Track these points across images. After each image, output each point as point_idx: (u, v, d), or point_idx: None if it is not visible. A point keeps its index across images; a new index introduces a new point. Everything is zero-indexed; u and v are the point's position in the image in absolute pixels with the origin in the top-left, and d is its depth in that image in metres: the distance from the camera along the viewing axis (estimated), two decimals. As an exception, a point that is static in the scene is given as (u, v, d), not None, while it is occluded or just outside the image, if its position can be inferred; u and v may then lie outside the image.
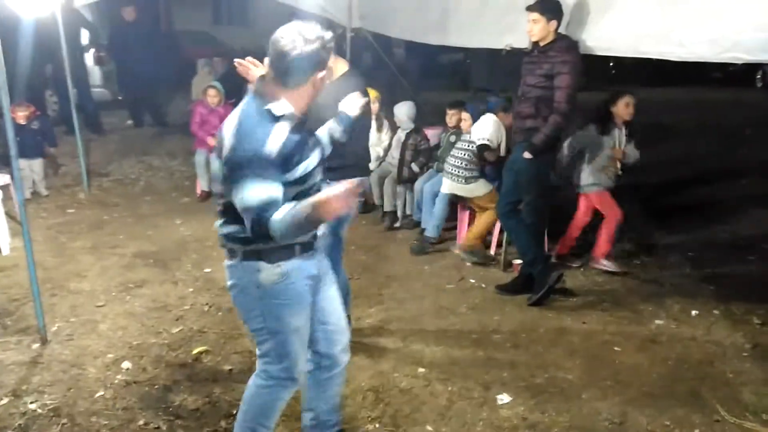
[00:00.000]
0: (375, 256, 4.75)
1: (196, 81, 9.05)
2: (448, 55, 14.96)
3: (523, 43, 4.30)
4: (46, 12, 6.08)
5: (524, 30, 4.05)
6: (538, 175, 4.00)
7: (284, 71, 2.04)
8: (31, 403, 2.87)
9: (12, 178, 4.90)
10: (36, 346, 3.37)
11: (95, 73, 9.40)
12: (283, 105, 2.04)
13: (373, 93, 5.62)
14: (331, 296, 2.40)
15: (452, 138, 5.31)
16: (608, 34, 3.96)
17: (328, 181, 2.35)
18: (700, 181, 6.96)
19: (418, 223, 5.40)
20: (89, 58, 9.23)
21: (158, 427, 2.73)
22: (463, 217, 5.11)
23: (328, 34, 2.08)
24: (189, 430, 2.72)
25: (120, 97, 9.63)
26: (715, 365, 3.40)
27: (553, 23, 3.78)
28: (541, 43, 3.85)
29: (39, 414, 2.79)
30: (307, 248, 2.18)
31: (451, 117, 5.38)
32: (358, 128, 2.78)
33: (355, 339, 3.51)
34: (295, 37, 2.02)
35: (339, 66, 3.09)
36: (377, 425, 2.82)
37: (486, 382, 3.18)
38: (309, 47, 2.02)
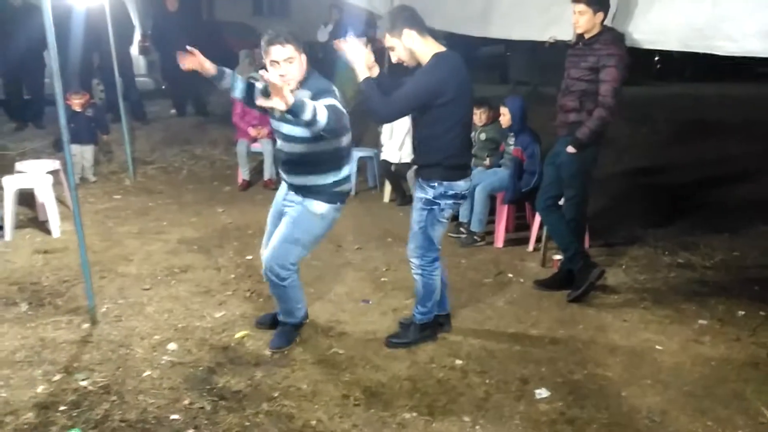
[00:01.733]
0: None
1: (238, 72, 9.15)
2: (489, 47, 14.81)
3: (567, 35, 4.25)
4: (96, 2, 6.25)
5: (569, 22, 4.00)
6: (581, 169, 3.95)
7: None
8: (83, 380, 2.98)
9: (63, 163, 5.08)
10: (86, 326, 3.49)
11: (139, 63, 9.60)
12: None
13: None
14: None
15: (482, 135, 5.35)
16: (656, 27, 3.88)
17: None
18: (745, 180, 6.78)
19: (455, 217, 5.40)
20: (134, 47, 9.44)
21: (203, 407, 2.81)
22: (502, 211, 5.09)
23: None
24: (232, 411, 2.79)
25: (163, 87, 9.82)
26: (760, 367, 3.33)
27: (600, 15, 3.73)
28: (587, 36, 3.80)
29: (90, 391, 2.90)
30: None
31: (480, 115, 5.37)
32: None
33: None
34: None
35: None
36: (414, 414, 2.85)
37: (524, 376, 3.18)
38: None
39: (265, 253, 3.17)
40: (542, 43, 4.58)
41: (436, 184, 3.13)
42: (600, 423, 2.83)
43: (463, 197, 3.26)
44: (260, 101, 2.57)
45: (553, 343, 3.52)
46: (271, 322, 3.51)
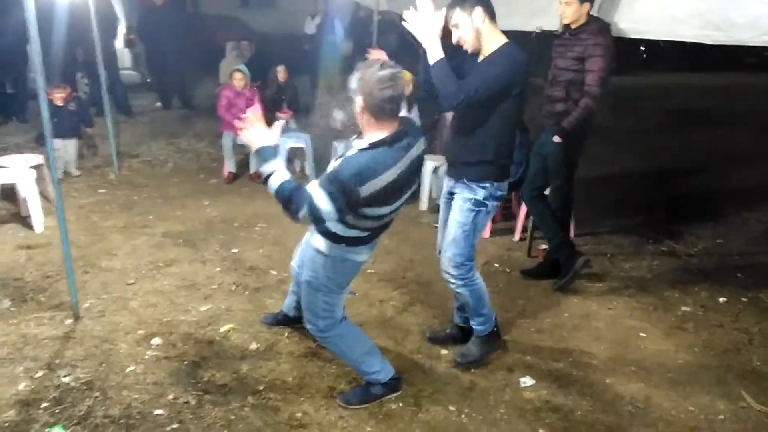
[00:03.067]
0: (399, 240, 4.76)
1: (225, 64, 9.12)
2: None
3: (553, 25, 4.25)
4: (79, -5, 6.16)
5: (555, 12, 4.00)
6: (567, 159, 3.96)
7: None
8: (65, 376, 2.95)
9: (47, 157, 5.02)
10: (69, 321, 3.46)
11: (125, 56, 9.51)
12: None
13: (407, 75, 5.62)
14: None
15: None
16: (642, 17, 3.89)
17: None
18: (729, 169, 6.84)
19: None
20: (119, 41, 9.34)
21: (187, 402, 2.80)
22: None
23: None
24: (217, 405, 2.78)
25: (149, 80, 9.74)
26: (742, 353, 3.37)
27: (586, 5, 3.72)
28: (573, 26, 3.80)
29: (72, 387, 2.88)
30: None
31: None
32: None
33: (379, 321, 3.57)
34: None
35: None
36: (400, 404, 2.85)
37: (509, 365, 3.20)
38: None
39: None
40: (528, 33, 4.58)
41: (488, 185, 2.90)
42: (584, 410, 2.86)
43: (503, 198, 3.00)
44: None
45: (539, 332, 3.54)
46: (273, 321, 3.48)
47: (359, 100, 2.40)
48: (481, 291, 3.09)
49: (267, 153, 2.35)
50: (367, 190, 2.30)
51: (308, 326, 2.80)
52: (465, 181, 2.94)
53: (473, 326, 3.19)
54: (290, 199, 2.27)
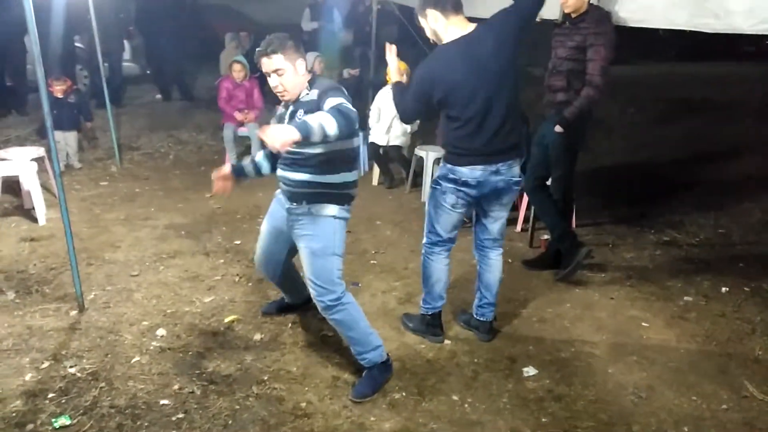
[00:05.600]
0: (400, 231, 4.77)
1: (224, 55, 9.09)
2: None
3: (553, 14, 4.23)
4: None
5: (555, 1, 3.98)
6: (568, 149, 3.96)
7: None
8: (71, 367, 2.97)
9: (48, 150, 5.02)
10: (74, 313, 3.47)
11: (124, 47, 9.48)
12: None
13: (402, 66, 5.60)
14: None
15: None
16: (642, 5, 3.88)
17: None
18: (730, 158, 6.83)
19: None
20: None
21: (192, 392, 2.81)
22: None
23: None
24: (222, 395, 2.80)
25: (148, 72, 9.71)
26: (745, 342, 3.38)
27: None
28: (573, 15, 3.79)
29: (78, 378, 2.90)
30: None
31: None
32: None
33: (381, 312, 3.58)
34: None
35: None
36: (404, 394, 2.87)
37: (512, 355, 3.21)
38: None
39: (308, 285, 2.85)
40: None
41: (442, 165, 3.09)
42: (587, 400, 2.87)
43: (465, 184, 2.98)
44: (274, 150, 2.35)
45: (541, 322, 3.55)
46: (277, 310, 3.52)
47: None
48: (432, 275, 3.26)
49: (300, 127, 2.30)
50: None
51: (321, 300, 2.78)
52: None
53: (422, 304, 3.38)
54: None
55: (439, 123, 6.57)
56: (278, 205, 3.05)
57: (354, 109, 2.50)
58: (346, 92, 2.67)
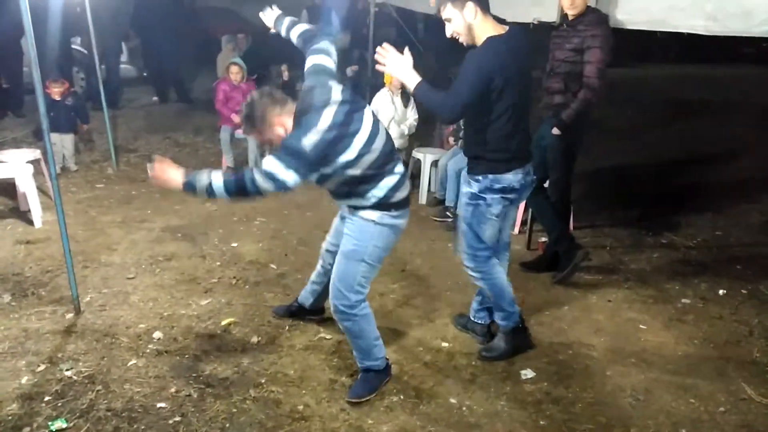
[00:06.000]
0: (399, 233, 4.77)
1: (221, 57, 9.09)
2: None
3: (551, 17, 4.24)
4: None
5: (553, 3, 4.00)
6: (566, 151, 3.96)
7: None
8: (67, 370, 2.95)
9: (44, 152, 5.00)
10: (70, 316, 3.45)
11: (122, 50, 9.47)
12: None
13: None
14: None
15: None
16: (639, 7, 3.89)
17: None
18: (727, 159, 6.84)
19: (441, 201, 5.40)
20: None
21: (189, 395, 2.80)
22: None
23: None
24: (219, 398, 2.79)
25: (145, 74, 9.70)
26: (742, 345, 3.38)
27: None
28: (571, 17, 3.79)
29: (74, 381, 2.88)
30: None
31: None
32: None
33: (379, 314, 3.57)
34: None
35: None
36: (401, 397, 2.86)
37: (510, 358, 3.20)
38: None
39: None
40: (526, 25, 4.56)
41: (480, 178, 2.93)
42: (585, 402, 2.87)
43: (513, 191, 2.94)
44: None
45: (539, 324, 3.55)
46: (285, 313, 3.49)
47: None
48: (501, 285, 3.11)
49: (193, 182, 2.51)
50: None
51: (335, 302, 2.74)
52: (467, 175, 3.01)
53: (496, 320, 3.22)
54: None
55: (437, 126, 6.57)
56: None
57: (277, 173, 2.42)
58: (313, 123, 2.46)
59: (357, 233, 2.70)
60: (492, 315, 3.30)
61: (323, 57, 2.77)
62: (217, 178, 2.49)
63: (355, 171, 2.56)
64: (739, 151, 7.02)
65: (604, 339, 3.42)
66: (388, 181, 2.64)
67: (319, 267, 3.29)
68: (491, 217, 2.96)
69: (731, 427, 2.71)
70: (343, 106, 2.52)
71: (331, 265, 3.03)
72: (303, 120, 2.49)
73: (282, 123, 2.56)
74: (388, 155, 2.65)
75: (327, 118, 2.46)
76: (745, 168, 6.57)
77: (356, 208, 2.70)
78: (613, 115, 8.40)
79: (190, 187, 2.50)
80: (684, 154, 7.14)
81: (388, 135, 2.70)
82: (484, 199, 2.94)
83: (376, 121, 2.65)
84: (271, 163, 2.45)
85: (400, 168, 2.71)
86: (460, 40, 2.85)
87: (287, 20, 3.09)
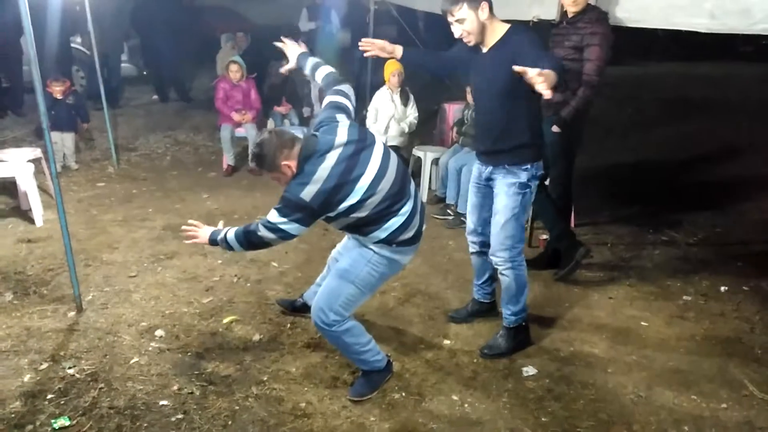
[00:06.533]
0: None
1: (221, 56, 9.07)
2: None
3: (550, 14, 4.24)
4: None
5: (552, 1, 3.99)
6: (566, 149, 3.97)
7: None
8: (70, 368, 2.96)
9: (44, 151, 5.00)
10: (72, 314, 3.46)
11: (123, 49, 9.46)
12: None
13: (395, 65, 5.60)
14: None
15: (474, 114, 5.29)
16: (639, 5, 3.89)
17: None
18: (727, 158, 6.84)
19: (442, 199, 5.40)
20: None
21: (192, 393, 2.81)
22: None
23: None
24: (221, 396, 2.79)
25: (145, 72, 9.69)
26: (744, 341, 3.38)
27: None
28: (570, 14, 3.79)
29: (77, 379, 2.89)
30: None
31: (468, 94, 5.36)
32: None
33: (380, 312, 3.58)
34: None
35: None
36: (403, 394, 2.86)
37: (510, 355, 3.20)
38: None
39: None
40: (526, 23, 4.56)
41: (528, 167, 2.98)
42: (587, 399, 2.87)
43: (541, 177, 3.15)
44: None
45: (540, 322, 3.55)
46: (289, 306, 3.51)
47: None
48: (526, 278, 3.19)
49: (214, 237, 2.74)
50: None
51: (314, 315, 2.72)
52: (506, 166, 3.01)
53: (505, 314, 3.24)
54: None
55: (437, 123, 6.58)
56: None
57: (282, 227, 2.52)
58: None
59: (355, 253, 2.73)
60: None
61: (341, 98, 2.78)
62: (230, 233, 2.67)
63: (360, 213, 2.56)
64: (739, 149, 7.02)
65: (606, 336, 3.42)
66: (394, 223, 2.62)
67: (325, 271, 3.30)
68: (528, 205, 3.08)
69: (733, 424, 2.72)
70: (348, 148, 2.52)
71: None
72: (305, 167, 2.50)
73: (289, 166, 2.54)
74: (396, 195, 2.62)
75: (328, 165, 2.47)
76: (745, 165, 6.57)
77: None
78: (614, 113, 8.40)
79: (212, 242, 2.74)
80: (684, 151, 7.14)
81: (397, 173, 2.65)
82: (530, 187, 3.03)
83: (386, 159, 2.61)
84: (274, 216, 2.53)
85: (407, 208, 2.66)
86: (468, 40, 2.90)
87: (311, 60, 3.03)
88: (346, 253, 2.83)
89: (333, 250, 3.22)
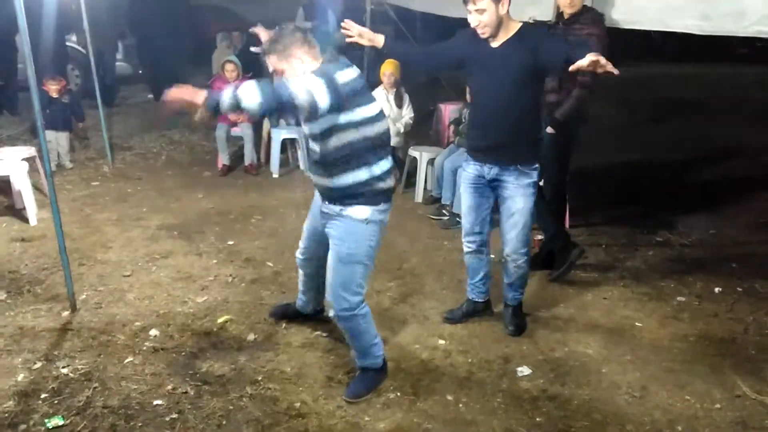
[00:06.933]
0: (395, 231, 4.75)
1: (216, 55, 9.06)
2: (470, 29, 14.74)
3: (546, 15, 4.25)
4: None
5: (549, 2, 4.00)
6: (561, 150, 3.98)
7: None
8: (63, 367, 2.95)
9: (39, 150, 4.99)
10: (66, 313, 3.45)
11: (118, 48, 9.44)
12: None
13: (389, 66, 5.60)
14: None
15: (474, 110, 5.30)
16: (634, 7, 3.91)
17: None
18: (722, 159, 6.87)
19: (437, 199, 5.41)
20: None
21: (186, 392, 2.80)
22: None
23: None
24: (216, 395, 2.79)
25: (140, 71, 9.67)
26: (738, 342, 3.40)
27: None
28: (566, 15, 3.80)
29: (71, 378, 2.88)
30: None
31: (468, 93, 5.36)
32: None
33: (376, 312, 3.57)
34: None
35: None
36: (398, 394, 2.86)
37: (506, 355, 3.21)
38: None
39: (326, 290, 2.81)
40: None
41: (537, 165, 3.09)
42: (581, 399, 2.88)
43: None
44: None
45: (535, 322, 3.55)
46: (283, 314, 3.46)
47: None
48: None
49: (214, 98, 2.34)
50: None
51: (337, 307, 2.70)
52: (519, 167, 3.05)
53: (514, 296, 3.41)
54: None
55: (434, 123, 6.58)
56: (316, 204, 2.96)
57: (315, 88, 2.34)
58: (334, 74, 2.46)
59: (348, 236, 2.69)
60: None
61: None
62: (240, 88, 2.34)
63: (367, 132, 2.57)
64: (733, 150, 7.05)
65: (600, 336, 3.43)
66: (384, 165, 2.68)
67: (301, 276, 3.28)
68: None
69: (727, 424, 2.73)
70: (362, 78, 2.62)
71: (313, 270, 3.13)
72: (331, 66, 2.52)
73: (301, 58, 2.55)
74: (387, 141, 2.74)
75: (351, 73, 2.55)
76: (739, 167, 6.60)
77: (346, 199, 2.65)
78: (609, 114, 8.42)
79: (212, 102, 2.34)
80: (679, 153, 7.16)
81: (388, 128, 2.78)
82: (536, 184, 3.13)
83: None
84: (311, 79, 2.40)
85: (390, 159, 2.77)
86: (483, 32, 2.93)
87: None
88: (335, 240, 2.72)
89: (297, 252, 3.20)
